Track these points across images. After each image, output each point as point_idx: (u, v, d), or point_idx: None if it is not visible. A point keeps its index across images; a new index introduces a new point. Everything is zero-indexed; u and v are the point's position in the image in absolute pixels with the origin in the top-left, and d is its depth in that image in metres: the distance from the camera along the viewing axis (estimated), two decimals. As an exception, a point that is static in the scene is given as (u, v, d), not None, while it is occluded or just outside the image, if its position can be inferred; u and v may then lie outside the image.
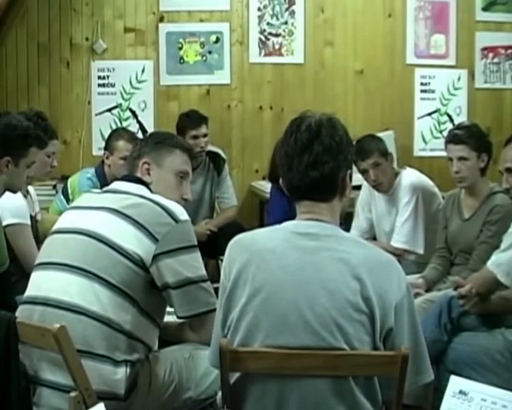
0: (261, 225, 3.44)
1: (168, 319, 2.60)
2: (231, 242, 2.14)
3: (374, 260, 2.03)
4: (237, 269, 2.05)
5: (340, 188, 2.09)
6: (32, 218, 3.66)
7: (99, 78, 5.74)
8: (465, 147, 3.66)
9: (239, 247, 2.11)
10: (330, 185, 2.07)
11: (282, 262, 2.01)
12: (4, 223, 3.09)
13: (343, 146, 2.07)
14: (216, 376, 2.40)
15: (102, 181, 4.32)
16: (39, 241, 3.42)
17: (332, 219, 2.09)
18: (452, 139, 3.73)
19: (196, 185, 4.99)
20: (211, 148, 5.07)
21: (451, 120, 6.10)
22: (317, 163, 2.03)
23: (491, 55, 6.16)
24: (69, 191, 4.39)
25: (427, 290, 3.75)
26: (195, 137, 4.85)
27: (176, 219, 2.42)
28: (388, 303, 1.98)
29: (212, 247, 4.61)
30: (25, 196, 3.60)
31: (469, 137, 3.68)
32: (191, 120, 4.91)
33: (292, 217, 2.13)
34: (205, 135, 4.90)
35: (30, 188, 3.78)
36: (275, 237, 2.08)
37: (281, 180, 2.16)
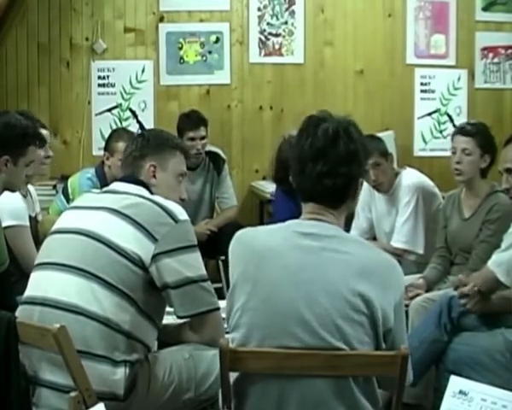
0: (261, 225, 3.42)
1: (168, 319, 2.60)
2: (234, 238, 2.15)
3: (376, 262, 2.04)
4: (240, 266, 2.06)
5: (351, 196, 2.10)
6: (33, 218, 3.66)
7: (99, 78, 5.74)
8: (471, 140, 3.71)
9: (241, 244, 2.12)
10: (342, 195, 2.08)
11: (282, 261, 2.02)
12: (3, 225, 3.09)
13: (358, 156, 2.07)
14: (216, 376, 2.41)
15: (103, 181, 4.31)
16: (39, 242, 3.42)
17: (336, 221, 2.09)
18: (460, 131, 3.80)
19: (196, 186, 4.98)
20: (210, 148, 5.06)
21: (451, 119, 6.10)
22: (330, 173, 2.03)
23: (491, 55, 6.16)
24: (69, 191, 4.38)
25: (428, 291, 3.75)
26: (192, 139, 4.82)
27: (175, 219, 2.42)
28: (388, 305, 1.99)
29: (212, 247, 4.60)
30: (24, 196, 3.59)
31: (477, 133, 3.74)
32: (190, 121, 4.89)
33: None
34: (203, 137, 4.87)
35: (30, 187, 3.77)
36: (276, 235, 2.09)
37: (291, 177, 2.15)
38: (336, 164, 2.03)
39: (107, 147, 4.49)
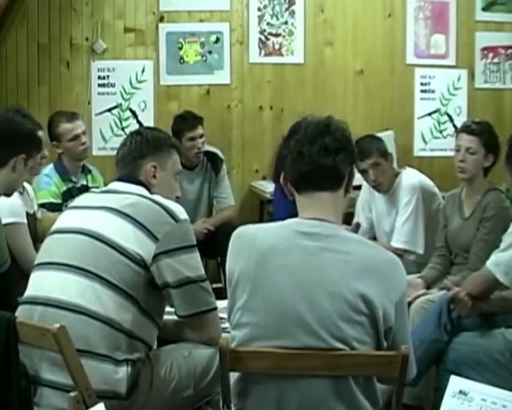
0: (261, 225, 3.46)
1: (168, 318, 2.60)
2: (234, 234, 2.15)
3: (377, 260, 2.05)
4: (240, 264, 2.07)
5: (347, 181, 2.12)
6: (31, 215, 3.65)
7: (99, 78, 5.74)
8: (476, 139, 3.71)
9: (242, 240, 2.13)
10: (340, 174, 2.10)
11: (283, 261, 2.02)
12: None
13: (350, 140, 2.14)
14: (214, 374, 2.43)
15: (63, 173, 4.35)
16: (38, 239, 3.41)
17: (335, 218, 2.10)
18: (465, 130, 3.79)
19: (194, 185, 4.99)
20: (209, 148, 5.06)
21: (451, 119, 6.10)
22: (328, 150, 2.06)
23: (491, 55, 6.16)
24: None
25: (427, 289, 3.75)
26: (192, 139, 4.84)
27: (176, 219, 2.42)
28: (389, 303, 2.00)
29: (212, 247, 4.61)
30: (21, 193, 3.58)
31: (482, 132, 3.73)
32: (187, 122, 4.89)
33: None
34: (201, 136, 4.89)
35: (26, 185, 3.76)
36: (277, 234, 2.09)
37: (282, 177, 2.15)
38: (333, 143, 2.07)
39: (52, 137, 4.41)
